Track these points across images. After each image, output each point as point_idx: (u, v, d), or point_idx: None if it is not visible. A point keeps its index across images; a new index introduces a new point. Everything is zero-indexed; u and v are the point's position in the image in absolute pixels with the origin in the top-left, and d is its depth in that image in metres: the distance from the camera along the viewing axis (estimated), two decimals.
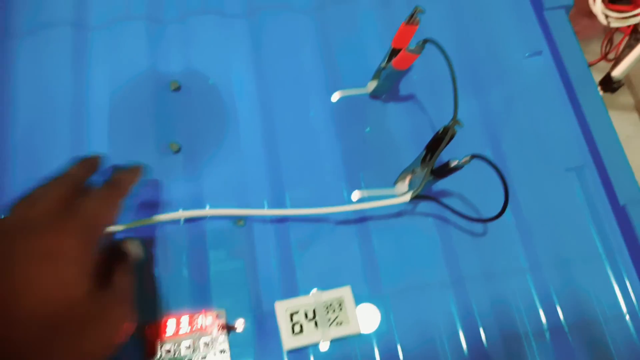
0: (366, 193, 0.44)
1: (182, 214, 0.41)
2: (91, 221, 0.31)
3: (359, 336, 0.39)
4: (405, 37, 0.41)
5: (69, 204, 0.31)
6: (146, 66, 0.46)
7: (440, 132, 0.37)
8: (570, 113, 0.49)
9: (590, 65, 1.10)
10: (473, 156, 0.36)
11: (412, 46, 0.39)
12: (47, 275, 0.27)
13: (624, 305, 0.42)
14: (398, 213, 0.43)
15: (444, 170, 0.38)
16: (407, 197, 0.40)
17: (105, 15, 0.48)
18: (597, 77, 1.01)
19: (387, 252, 0.42)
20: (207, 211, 0.41)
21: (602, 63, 0.99)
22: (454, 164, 0.37)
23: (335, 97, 0.47)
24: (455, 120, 0.37)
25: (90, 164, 0.37)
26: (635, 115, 1.27)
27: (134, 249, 0.37)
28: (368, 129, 0.46)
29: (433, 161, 0.38)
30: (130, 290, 0.34)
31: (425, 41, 0.39)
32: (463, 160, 0.36)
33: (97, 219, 0.32)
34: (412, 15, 0.40)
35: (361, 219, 0.43)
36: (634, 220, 0.43)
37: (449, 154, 0.40)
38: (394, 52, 0.42)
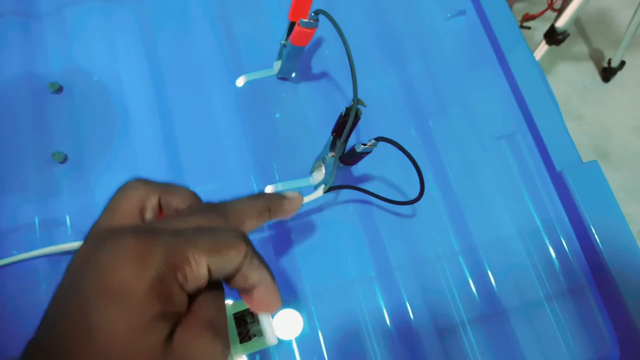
0: (280, 187, 0.40)
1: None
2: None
3: (280, 343, 0.36)
4: (301, 8, 0.37)
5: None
6: (20, 68, 0.41)
7: (343, 114, 0.33)
8: (501, 76, 0.45)
9: (537, 16, 1.07)
10: (378, 139, 0.32)
11: (306, 20, 0.35)
12: (113, 318, 0.20)
13: (565, 281, 0.39)
14: (318, 207, 0.40)
15: (353, 157, 0.34)
16: (320, 192, 0.36)
17: None
18: (546, 27, 0.97)
19: (308, 250, 0.39)
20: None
21: (551, 14, 0.95)
22: (360, 149, 0.33)
23: (240, 81, 0.43)
24: (356, 99, 0.33)
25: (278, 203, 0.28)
26: (590, 64, 1.19)
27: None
28: (278, 114, 0.42)
29: (341, 147, 0.34)
30: (220, 322, 0.24)
31: (317, 12, 0.34)
32: (369, 144, 0.32)
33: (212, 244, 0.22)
34: None
35: None
36: (571, 186, 0.40)
37: (369, 136, 0.35)
38: (292, 27, 0.38)
